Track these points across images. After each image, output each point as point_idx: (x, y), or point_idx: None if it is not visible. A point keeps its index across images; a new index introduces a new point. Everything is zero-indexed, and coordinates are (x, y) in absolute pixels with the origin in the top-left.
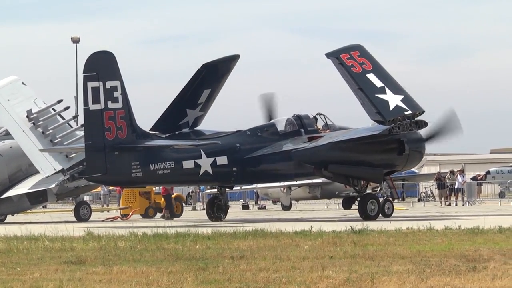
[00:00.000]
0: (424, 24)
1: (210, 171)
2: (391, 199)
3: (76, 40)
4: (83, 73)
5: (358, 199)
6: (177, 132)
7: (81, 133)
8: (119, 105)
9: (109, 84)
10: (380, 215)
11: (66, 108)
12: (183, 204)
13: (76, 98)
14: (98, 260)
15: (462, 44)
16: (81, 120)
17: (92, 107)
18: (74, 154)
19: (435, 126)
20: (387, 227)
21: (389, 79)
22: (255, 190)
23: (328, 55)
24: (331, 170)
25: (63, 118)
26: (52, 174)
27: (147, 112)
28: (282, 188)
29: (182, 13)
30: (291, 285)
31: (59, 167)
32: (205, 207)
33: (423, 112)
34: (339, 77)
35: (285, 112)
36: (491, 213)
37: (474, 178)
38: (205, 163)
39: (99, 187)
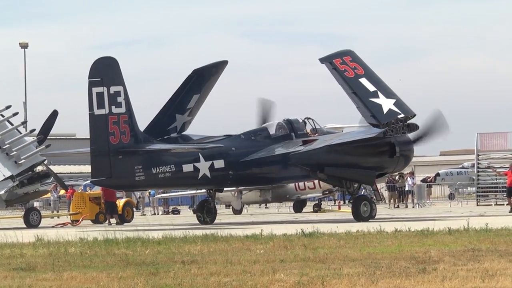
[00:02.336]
0: (377, 27)
1: (208, 174)
2: (374, 201)
3: (24, 46)
4: (88, 78)
5: (351, 200)
6: (165, 137)
7: (29, 138)
8: (123, 109)
9: (112, 89)
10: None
11: (15, 114)
12: (134, 210)
13: (25, 103)
14: (48, 266)
15: (415, 46)
16: (29, 126)
17: (97, 112)
18: (23, 160)
19: (422, 127)
20: (337, 230)
21: (381, 83)
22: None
23: (322, 60)
24: (327, 173)
25: (12, 124)
26: (1, 181)
27: None
28: (233, 192)
29: (132, 18)
30: None
31: (8, 174)
32: (155, 212)
33: (415, 115)
34: (285, 80)
35: (236, 116)
36: (441, 215)
37: (424, 180)
38: (204, 166)
39: (49, 193)
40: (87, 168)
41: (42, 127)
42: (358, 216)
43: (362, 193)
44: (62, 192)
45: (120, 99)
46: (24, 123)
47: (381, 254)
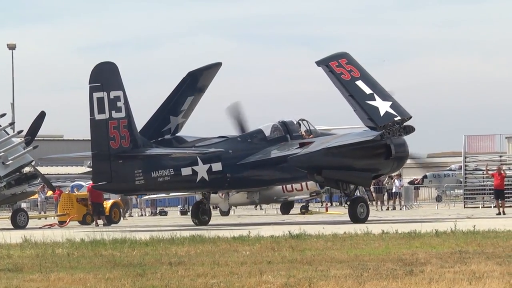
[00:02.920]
0: (365, 29)
1: (206, 177)
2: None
3: (12, 47)
4: (89, 83)
5: (348, 202)
6: (159, 139)
7: (17, 140)
8: (122, 114)
9: (112, 94)
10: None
11: (3, 115)
12: (121, 211)
13: (13, 105)
14: (35, 267)
15: (397, 49)
16: (17, 127)
17: (97, 117)
18: (10, 162)
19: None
20: (324, 232)
21: (377, 85)
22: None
23: (318, 63)
24: (324, 175)
25: None
26: None
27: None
28: (220, 194)
29: (119, 20)
30: None
31: None
32: (143, 213)
33: (411, 117)
34: (269, 82)
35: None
36: (428, 217)
37: (411, 182)
38: (202, 169)
39: (36, 194)
40: (74, 170)
41: (30, 128)
42: (355, 218)
43: (357, 195)
44: (50, 193)
45: (120, 103)
46: (12, 124)
47: (368, 256)
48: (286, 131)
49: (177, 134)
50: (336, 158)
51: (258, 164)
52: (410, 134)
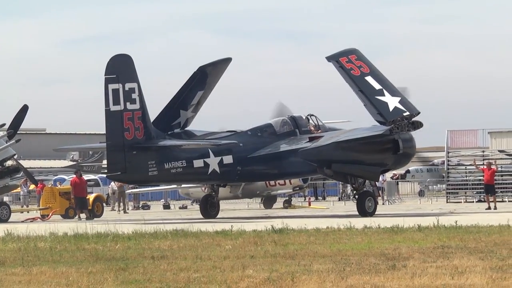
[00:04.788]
0: (348, 25)
1: (217, 169)
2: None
3: None
4: (105, 75)
5: (356, 196)
6: (169, 133)
7: None
8: (137, 106)
9: (127, 86)
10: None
11: None
12: (104, 204)
13: None
14: (17, 261)
15: (385, 44)
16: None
17: (112, 108)
18: None
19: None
20: (307, 226)
21: (386, 81)
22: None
23: (329, 58)
24: (334, 169)
25: None
26: None
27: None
28: (203, 188)
29: (102, 13)
30: (212, 285)
31: None
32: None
33: (419, 113)
34: (252, 79)
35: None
36: (411, 212)
37: (392, 177)
38: (213, 162)
39: (19, 188)
40: (57, 163)
41: (12, 122)
42: (363, 211)
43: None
44: (32, 187)
45: (135, 95)
46: None
47: (351, 251)
48: (295, 126)
49: (186, 128)
50: (346, 152)
51: (268, 158)
52: (418, 130)
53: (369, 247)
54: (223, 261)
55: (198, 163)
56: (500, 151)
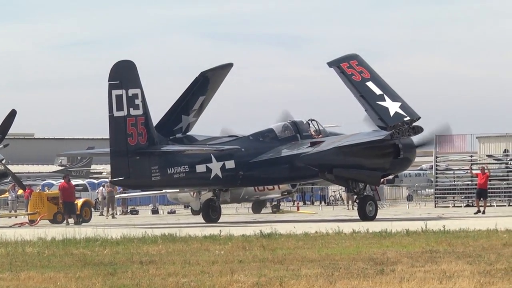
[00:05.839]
0: (332, 29)
1: (220, 174)
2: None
3: None
4: (108, 81)
5: (357, 200)
6: (171, 137)
7: None
8: (140, 112)
9: (131, 91)
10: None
11: None
12: (92, 209)
13: None
14: (5, 266)
15: (372, 48)
16: None
17: (116, 114)
18: None
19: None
20: (295, 231)
21: (386, 87)
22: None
23: (330, 64)
24: (335, 174)
25: None
26: None
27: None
28: (192, 193)
29: (91, 17)
30: None
31: None
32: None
33: (419, 118)
34: (240, 84)
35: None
36: (399, 216)
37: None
38: (216, 167)
39: (7, 193)
40: (45, 168)
41: (0, 127)
42: (364, 215)
43: (366, 193)
44: (20, 191)
45: (138, 101)
46: None
47: (339, 255)
48: (297, 131)
49: (188, 133)
50: (347, 157)
51: (269, 162)
52: (418, 134)
53: (358, 252)
54: (211, 266)
55: (200, 168)
56: (488, 155)
